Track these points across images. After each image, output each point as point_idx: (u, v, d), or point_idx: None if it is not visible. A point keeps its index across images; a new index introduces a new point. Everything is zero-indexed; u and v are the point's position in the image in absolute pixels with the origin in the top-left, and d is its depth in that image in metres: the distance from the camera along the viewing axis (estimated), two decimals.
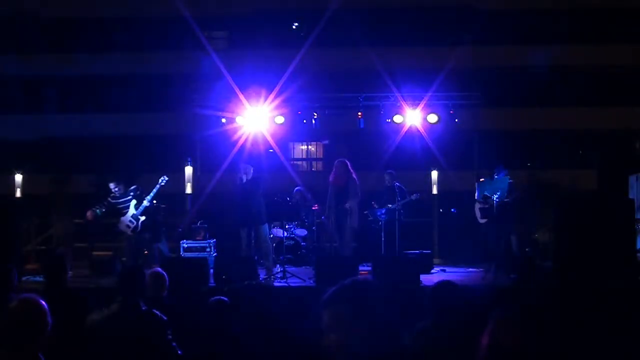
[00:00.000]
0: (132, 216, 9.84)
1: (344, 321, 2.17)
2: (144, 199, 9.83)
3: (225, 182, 13.95)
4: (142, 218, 9.86)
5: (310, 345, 2.62)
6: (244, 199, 9.55)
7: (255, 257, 9.57)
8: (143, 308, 4.39)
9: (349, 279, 2.29)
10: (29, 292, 3.22)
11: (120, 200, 9.93)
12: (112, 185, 9.94)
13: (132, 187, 10.10)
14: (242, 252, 9.77)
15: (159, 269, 5.60)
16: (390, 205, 10.92)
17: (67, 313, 4.13)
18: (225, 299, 5.18)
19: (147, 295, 5.34)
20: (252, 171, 9.73)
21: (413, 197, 10.81)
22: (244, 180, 9.65)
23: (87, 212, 9.96)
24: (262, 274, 9.44)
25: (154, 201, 9.96)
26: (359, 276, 2.31)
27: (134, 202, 9.85)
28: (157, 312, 4.39)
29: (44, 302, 2.95)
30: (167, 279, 5.49)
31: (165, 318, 4.39)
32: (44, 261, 8.49)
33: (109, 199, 9.99)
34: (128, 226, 9.86)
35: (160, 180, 9.82)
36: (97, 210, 9.90)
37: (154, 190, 9.86)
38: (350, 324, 2.16)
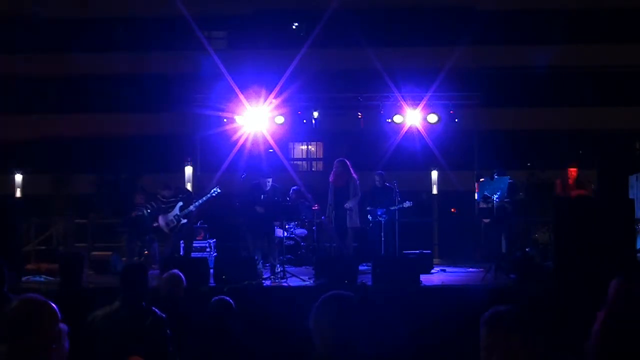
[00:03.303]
0: (174, 216, 10.10)
1: (324, 329, 2.65)
2: (191, 204, 10.09)
3: (225, 182, 13.95)
4: (184, 221, 10.10)
5: (310, 345, 2.72)
6: (270, 203, 9.78)
7: (256, 257, 9.57)
8: (143, 306, 4.41)
9: (330, 293, 2.75)
10: (28, 292, 3.21)
11: (170, 200, 10.23)
12: (165, 193, 10.28)
13: (183, 189, 10.56)
14: (250, 252, 9.86)
15: (176, 270, 5.62)
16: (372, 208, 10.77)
17: (81, 311, 4.15)
18: (228, 298, 5.19)
19: (161, 295, 5.39)
20: (271, 182, 9.89)
21: (405, 204, 10.74)
22: (268, 187, 9.78)
23: (132, 213, 10.26)
24: (267, 273, 9.56)
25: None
26: (340, 291, 2.79)
27: (180, 203, 10.13)
28: (156, 309, 4.41)
29: (52, 303, 2.92)
30: (184, 280, 5.53)
31: (164, 315, 4.41)
32: (61, 261, 8.52)
33: (160, 197, 10.30)
34: (167, 224, 10.11)
35: (212, 191, 10.06)
36: (143, 212, 10.22)
37: (204, 198, 10.13)
38: (328, 331, 2.63)
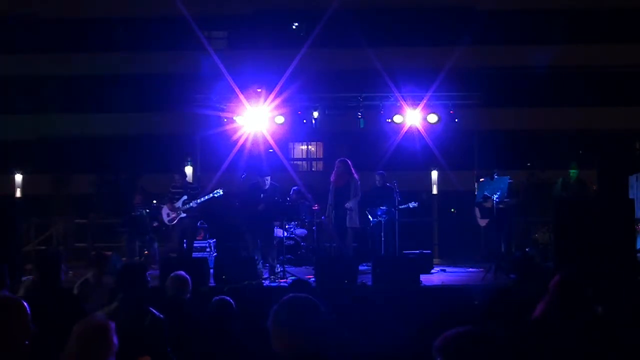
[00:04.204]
0: (176, 208, 10.17)
1: (282, 330, 2.70)
2: (194, 200, 10.13)
3: (225, 182, 13.95)
4: (183, 215, 10.15)
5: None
6: (270, 203, 9.83)
7: (256, 257, 9.57)
8: (142, 306, 4.39)
9: (289, 296, 2.78)
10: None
11: (178, 190, 10.30)
12: (176, 177, 10.41)
13: (192, 185, 10.64)
14: (250, 252, 9.87)
15: (182, 272, 5.58)
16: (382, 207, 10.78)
17: (60, 311, 4.13)
18: (228, 298, 5.18)
19: (168, 296, 5.38)
20: (269, 180, 9.91)
21: (411, 205, 10.76)
22: (267, 186, 9.80)
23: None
24: (267, 273, 9.58)
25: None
26: (299, 294, 2.82)
27: (184, 197, 10.19)
28: (154, 310, 4.40)
29: (23, 301, 2.95)
30: (189, 282, 5.51)
31: (162, 316, 4.39)
32: (37, 260, 8.55)
33: (170, 188, 10.40)
34: (168, 214, 10.19)
35: (215, 192, 10.14)
36: (142, 212, 10.51)
37: (206, 197, 10.19)
38: (287, 333, 2.68)
